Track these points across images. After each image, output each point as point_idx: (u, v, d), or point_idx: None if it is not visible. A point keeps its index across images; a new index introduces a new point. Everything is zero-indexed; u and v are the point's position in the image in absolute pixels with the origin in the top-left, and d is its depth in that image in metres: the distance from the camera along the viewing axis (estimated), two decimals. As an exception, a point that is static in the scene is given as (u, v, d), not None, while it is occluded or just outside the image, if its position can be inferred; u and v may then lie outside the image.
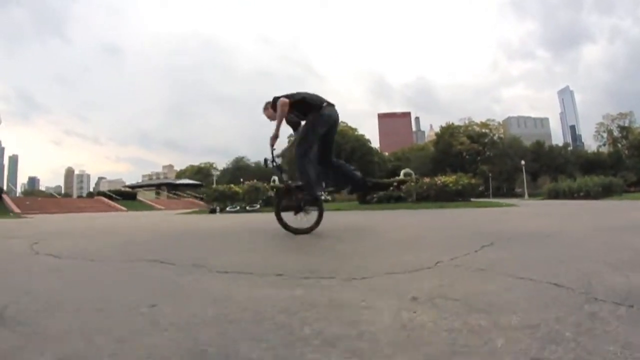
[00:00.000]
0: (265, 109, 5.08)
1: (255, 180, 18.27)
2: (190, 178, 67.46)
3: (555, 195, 26.61)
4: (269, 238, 4.52)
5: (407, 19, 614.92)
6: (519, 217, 7.43)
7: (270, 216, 5.18)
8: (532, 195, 45.55)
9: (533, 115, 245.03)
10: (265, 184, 18.39)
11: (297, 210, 4.84)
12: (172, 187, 54.21)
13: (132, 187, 54.84)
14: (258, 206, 16.14)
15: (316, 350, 1.10)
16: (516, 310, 1.39)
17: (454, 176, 18.52)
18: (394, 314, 1.40)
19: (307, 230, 4.64)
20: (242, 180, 29.22)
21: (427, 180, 18.00)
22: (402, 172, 21.30)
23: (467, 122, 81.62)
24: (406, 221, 7.25)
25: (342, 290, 1.83)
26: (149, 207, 34.79)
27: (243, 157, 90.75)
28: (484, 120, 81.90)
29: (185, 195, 48.98)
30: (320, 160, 4.90)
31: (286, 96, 4.73)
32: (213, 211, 15.60)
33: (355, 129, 74.77)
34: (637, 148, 68.26)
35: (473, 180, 19.29)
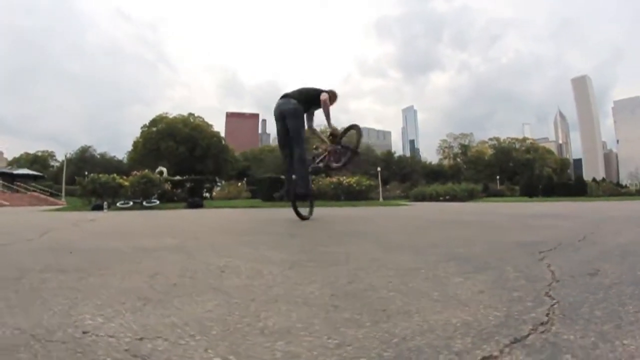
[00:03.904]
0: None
1: (146, 170, 16.45)
2: (26, 168, 56.57)
3: (422, 198, 30.40)
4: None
5: (270, 21, 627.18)
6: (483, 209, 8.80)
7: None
8: (386, 199, 50.25)
9: (377, 127, 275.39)
10: (159, 176, 16.77)
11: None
12: (9, 178, 44.59)
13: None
14: (157, 202, 14.55)
15: None
16: None
17: (355, 177, 19.93)
18: None
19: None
20: (86, 173, 26.15)
21: (333, 180, 18.82)
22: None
23: (322, 128, 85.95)
24: (400, 214, 7.84)
25: None
26: (-13, 201, 27.57)
27: (90, 147, 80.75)
28: (337, 127, 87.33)
29: (30, 188, 41.19)
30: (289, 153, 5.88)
31: None
32: (98, 207, 13.28)
33: (211, 125, 72.84)
34: (473, 162, 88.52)
35: (372, 182, 21.28)
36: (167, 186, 16.32)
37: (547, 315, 1.24)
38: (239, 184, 33.44)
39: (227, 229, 5.24)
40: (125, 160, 73.02)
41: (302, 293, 1.60)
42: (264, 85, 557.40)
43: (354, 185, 18.95)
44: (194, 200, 14.49)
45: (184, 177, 19.25)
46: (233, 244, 3.31)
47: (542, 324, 1.16)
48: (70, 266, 2.24)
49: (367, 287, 1.67)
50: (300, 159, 5.75)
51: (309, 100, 5.76)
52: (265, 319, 1.26)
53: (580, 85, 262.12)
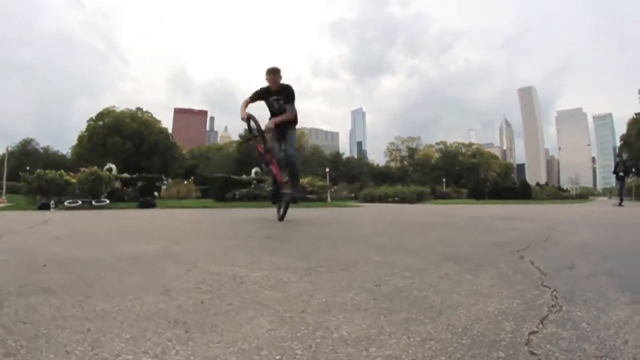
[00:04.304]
0: (279, 76, 6.02)
1: (95, 167, 15.75)
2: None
3: (370, 199, 31.11)
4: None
5: (222, 14, 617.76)
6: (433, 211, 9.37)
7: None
8: (333, 199, 51.09)
9: (325, 128, 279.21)
10: (109, 173, 16.17)
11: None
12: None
13: None
14: (107, 201, 13.98)
15: None
16: None
17: (308, 178, 20.26)
18: None
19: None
20: (28, 168, 24.86)
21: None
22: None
23: (271, 127, 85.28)
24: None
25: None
26: None
27: (32, 140, 75.82)
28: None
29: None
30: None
31: None
32: (45, 206, 12.51)
33: (160, 121, 70.87)
34: (420, 165, 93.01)
35: (324, 183, 21.82)
36: (117, 184, 15.77)
37: (553, 300, 1.58)
38: (185, 182, 32.79)
39: (202, 232, 5.21)
40: (69, 155, 69.17)
41: (344, 300, 1.62)
42: (214, 82, 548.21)
43: (307, 186, 19.09)
44: (146, 199, 13.97)
45: (134, 175, 18.72)
46: (223, 250, 3.19)
47: (553, 306, 1.49)
48: (54, 284, 1.87)
49: (397, 289, 1.81)
50: None
51: None
52: (335, 330, 1.25)
53: (526, 95, 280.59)
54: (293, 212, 6.75)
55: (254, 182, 19.08)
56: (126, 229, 5.47)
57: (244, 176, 21.44)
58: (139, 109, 69.11)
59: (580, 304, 1.53)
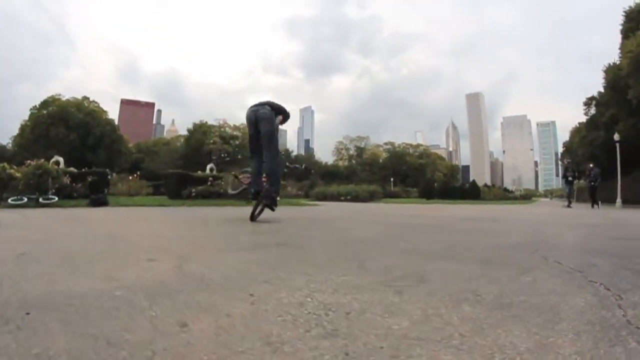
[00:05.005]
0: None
1: (42, 160, 14.75)
2: None
3: (323, 197, 31.48)
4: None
5: (176, 5, 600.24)
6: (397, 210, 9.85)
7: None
8: (282, 197, 51.25)
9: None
10: (56, 167, 15.23)
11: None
12: None
13: None
14: (55, 198, 13.12)
15: None
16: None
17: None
18: None
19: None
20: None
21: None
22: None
23: (221, 122, 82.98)
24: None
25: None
26: None
27: None
28: (237, 123, 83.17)
29: None
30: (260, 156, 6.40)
31: None
32: None
33: (107, 112, 67.68)
34: (368, 164, 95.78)
35: (282, 182, 21.87)
36: (66, 180, 14.88)
37: (609, 291, 1.96)
38: (130, 177, 31.74)
39: (197, 240, 4.44)
40: (9, 146, 64.71)
41: (471, 315, 1.56)
42: (162, 73, 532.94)
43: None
44: (98, 197, 13.25)
45: (84, 169, 17.77)
46: (252, 265, 2.59)
47: (612, 295, 1.87)
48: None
49: (496, 296, 1.87)
50: (273, 163, 6.32)
51: (276, 112, 6.49)
52: (513, 345, 1.23)
53: (474, 100, 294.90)
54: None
55: (210, 179, 18.60)
56: (102, 237, 4.46)
57: (199, 172, 20.89)
58: (85, 98, 65.27)
59: (630, 293, 1.90)
